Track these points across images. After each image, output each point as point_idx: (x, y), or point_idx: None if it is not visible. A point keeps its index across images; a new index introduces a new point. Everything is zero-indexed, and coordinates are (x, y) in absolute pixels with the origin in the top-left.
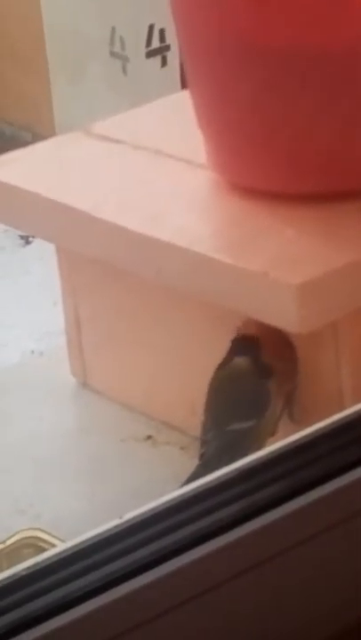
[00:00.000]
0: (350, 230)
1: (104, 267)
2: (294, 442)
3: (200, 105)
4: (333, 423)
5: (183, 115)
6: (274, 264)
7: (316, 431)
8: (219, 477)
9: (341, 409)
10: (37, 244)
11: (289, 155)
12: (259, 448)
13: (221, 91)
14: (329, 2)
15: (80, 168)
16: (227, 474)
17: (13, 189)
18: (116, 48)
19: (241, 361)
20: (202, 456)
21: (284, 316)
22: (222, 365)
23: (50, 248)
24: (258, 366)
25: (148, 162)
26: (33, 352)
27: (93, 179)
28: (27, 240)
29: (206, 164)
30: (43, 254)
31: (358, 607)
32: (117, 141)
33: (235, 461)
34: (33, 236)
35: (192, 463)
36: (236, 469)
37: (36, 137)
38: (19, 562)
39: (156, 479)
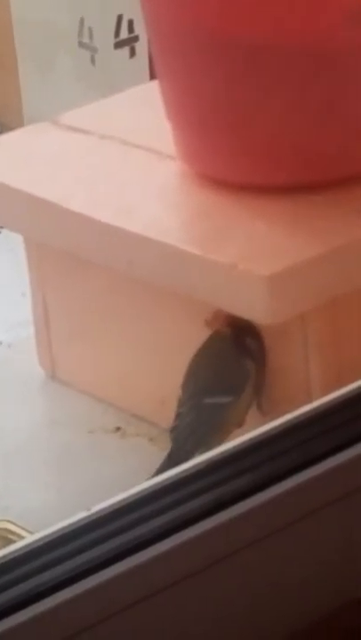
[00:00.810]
0: (320, 222)
1: (72, 258)
2: (262, 434)
3: (169, 96)
4: (301, 415)
5: (152, 106)
6: (243, 256)
7: (285, 423)
8: (187, 469)
9: (309, 401)
10: (5, 234)
11: (259, 147)
12: (228, 430)
13: (191, 83)
14: None
15: (48, 159)
16: (195, 465)
17: None
18: (85, 38)
19: (225, 333)
20: (174, 429)
21: (254, 307)
22: (205, 343)
23: (18, 239)
24: (240, 344)
25: (116, 153)
26: (1, 343)
27: (62, 169)
28: None
29: (175, 155)
30: (10, 246)
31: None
32: (85, 132)
33: (206, 437)
34: (1, 227)
35: (161, 454)
36: (205, 461)
37: (4, 128)
38: None
39: (125, 471)
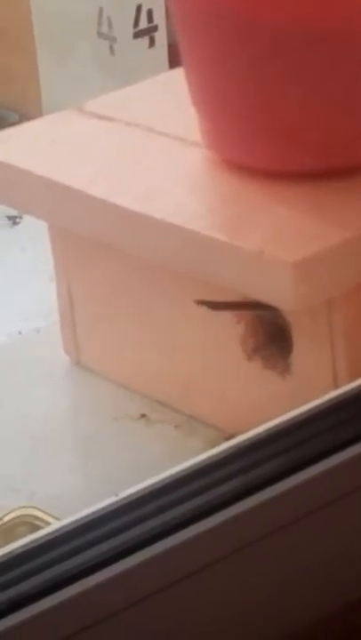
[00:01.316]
0: (346, 208)
1: (97, 245)
2: (289, 420)
3: (195, 82)
4: (328, 401)
5: (176, 93)
6: (269, 242)
7: (312, 409)
8: (216, 454)
9: (336, 387)
10: (25, 224)
11: (285, 132)
12: None
13: (216, 68)
14: None
15: (73, 146)
16: (224, 450)
17: (6, 167)
18: (104, 28)
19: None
20: None
21: (280, 293)
22: None
23: (38, 229)
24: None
25: (141, 139)
26: (20, 333)
27: (87, 156)
28: (14, 221)
29: (200, 141)
30: (31, 235)
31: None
32: (110, 119)
33: None
34: (21, 217)
35: (186, 441)
36: (233, 446)
37: (23, 118)
38: (14, 540)
39: (150, 457)
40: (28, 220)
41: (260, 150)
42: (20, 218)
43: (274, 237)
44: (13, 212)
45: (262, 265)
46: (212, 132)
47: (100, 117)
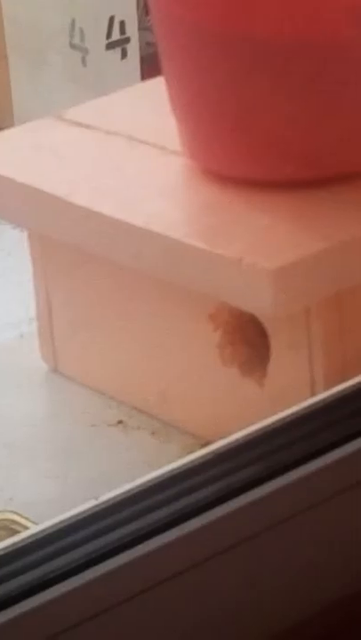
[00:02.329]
0: (325, 217)
1: (76, 252)
2: (266, 426)
3: (175, 92)
4: (305, 409)
5: (155, 102)
6: (249, 250)
7: (289, 416)
8: (193, 461)
9: (313, 395)
10: (2, 232)
11: (264, 142)
12: None
13: (197, 78)
14: None
15: (53, 153)
16: (203, 456)
17: None
18: (76, 40)
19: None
20: None
21: (259, 301)
22: None
23: (15, 238)
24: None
25: (121, 148)
26: None
27: (66, 164)
28: None
29: (180, 150)
30: (5, 243)
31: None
32: (90, 127)
33: None
34: None
35: (163, 448)
36: (212, 452)
37: None
38: None
39: (127, 464)
40: (3, 229)
41: (240, 159)
42: None
43: (253, 245)
44: None
45: (242, 272)
46: (192, 140)
47: (80, 125)
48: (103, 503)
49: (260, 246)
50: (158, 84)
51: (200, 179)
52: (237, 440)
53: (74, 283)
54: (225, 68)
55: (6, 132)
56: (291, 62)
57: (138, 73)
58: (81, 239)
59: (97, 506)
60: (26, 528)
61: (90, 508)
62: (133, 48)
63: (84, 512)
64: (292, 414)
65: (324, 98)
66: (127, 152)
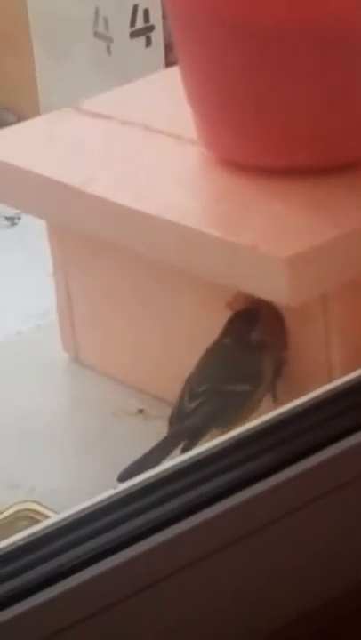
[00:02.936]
0: (339, 203)
1: (94, 242)
2: (285, 413)
3: (190, 81)
4: (322, 394)
5: (171, 91)
6: (263, 237)
7: (306, 402)
8: (212, 447)
9: (330, 381)
10: (23, 225)
11: (277, 130)
12: (245, 416)
13: (211, 67)
14: None
15: (70, 144)
16: (220, 443)
17: (4, 166)
18: (100, 28)
19: (242, 328)
20: (193, 411)
21: (274, 289)
22: (222, 334)
23: (36, 229)
24: (257, 338)
25: (137, 137)
26: (19, 333)
27: (83, 154)
28: (12, 222)
29: (196, 139)
30: (29, 236)
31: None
32: (106, 117)
33: (224, 422)
34: (19, 217)
35: None
36: (227, 440)
37: (21, 118)
38: (15, 533)
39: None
40: (26, 221)
41: (254, 147)
42: (19, 218)
43: (268, 233)
44: (12, 213)
45: (256, 260)
46: (207, 129)
47: (97, 116)
48: (122, 492)
49: (274, 234)
50: (175, 73)
51: (215, 167)
52: (257, 427)
53: (93, 272)
54: (237, 56)
55: (23, 124)
56: (301, 49)
57: (162, 60)
58: (98, 229)
59: (116, 494)
60: (47, 517)
61: (109, 497)
62: (157, 36)
63: (103, 500)
64: (310, 400)
65: (335, 84)
66: (143, 142)
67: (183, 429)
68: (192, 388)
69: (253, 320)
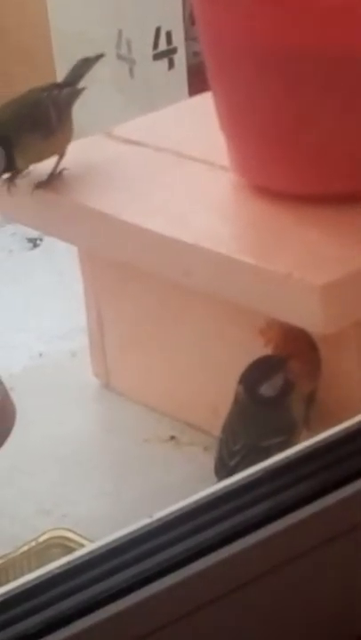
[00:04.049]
0: None
1: (126, 268)
2: (319, 442)
3: (224, 108)
4: (358, 423)
5: (202, 118)
6: (297, 265)
7: (342, 431)
8: (247, 476)
9: None
10: (45, 247)
11: (313, 157)
12: None
13: (246, 94)
14: (351, 5)
15: (103, 170)
16: (253, 474)
17: (36, 192)
18: (123, 51)
19: (269, 385)
20: (238, 465)
21: (308, 316)
22: (249, 384)
23: (58, 251)
24: (284, 386)
25: (170, 164)
26: (41, 355)
27: (116, 181)
28: (34, 243)
29: (228, 166)
30: (51, 257)
31: None
32: (139, 144)
33: None
34: (41, 239)
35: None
36: (263, 469)
37: None
38: (47, 561)
39: (180, 479)
40: (48, 243)
41: (288, 175)
42: (41, 240)
43: (302, 260)
44: (34, 235)
45: (291, 288)
46: (240, 156)
47: (129, 142)
48: (158, 521)
49: (308, 261)
50: (205, 100)
51: (248, 194)
52: (291, 456)
53: (124, 299)
54: (274, 82)
55: None
56: (338, 76)
57: (185, 83)
58: (131, 256)
59: (152, 523)
60: (80, 545)
61: (145, 526)
62: (180, 58)
63: (138, 529)
64: (345, 429)
65: None
66: (176, 168)
67: None
68: (228, 443)
69: (274, 369)
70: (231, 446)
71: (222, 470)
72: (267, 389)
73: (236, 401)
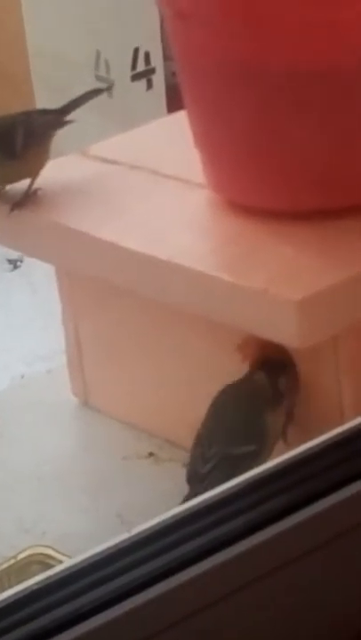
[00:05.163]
0: (348, 246)
1: (104, 286)
2: (297, 455)
3: (198, 125)
4: (335, 436)
5: (176, 136)
6: (273, 281)
7: (319, 444)
8: (223, 491)
9: (342, 422)
10: (25, 268)
11: (287, 173)
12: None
13: (218, 111)
14: (324, 25)
15: (79, 189)
16: (230, 488)
17: (12, 211)
18: (102, 71)
19: (262, 379)
20: (210, 472)
21: (285, 331)
22: (227, 390)
23: (38, 273)
24: (276, 390)
25: (146, 182)
26: (23, 376)
27: (92, 199)
28: (15, 264)
29: (204, 183)
30: (31, 279)
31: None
32: (114, 162)
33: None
34: (21, 261)
35: None
36: (239, 483)
37: None
38: (27, 578)
39: (159, 496)
40: (28, 263)
41: (263, 191)
42: (21, 261)
43: (278, 276)
44: (14, 256)
45: (267, 303)
46: (215, 173)
47: (105, 161)
48: (136, 536)
49: (284, 277)
50: (181, 118)
51: (224, 211)
52: (269, 469)
53: (102, 317)
54: (245, 99)
55: None
56: (312, 92)
57: (164, 103)
58: (108, 274)
59: (130, 538)
60: (59, 562)
61: (123, 541)
62: (159, 78)
63: (117, 545)
64: (323, 442)
65: (345, 128)
66: (152, 186)
67: (201, 491)
68: (203, 448)
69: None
70: (206, 452)
71: (194, 479)
72: (280, 386)
73: (219, 403)
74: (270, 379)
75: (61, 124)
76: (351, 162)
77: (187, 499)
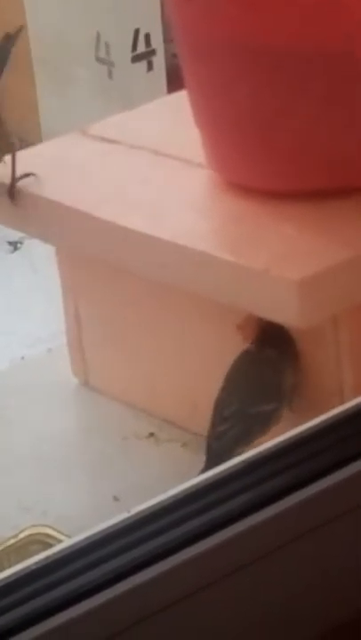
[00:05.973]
0: (350, 226)
1: (104, 266)
2: (296, 435)
3: (198, 104)
4: (335, 416)
5: (178, 115)
6: (274, 261)
7: (319, 424)
8: (224, 470)
9: (342, 403)
10: (26, 249)
11: (288, 153)
12: (267, 434)
13: (220, 90)
14: (328, 4)
15: (78, 168)
16: (232, 467)
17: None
18: (102, 53)
19: (258, 346)
20: (220, 436)
21: (285, 311)
22: (241, 357)
23: (39, 254)
24: (284, 354)
25: (146, 161)
26: (23, 358)
27: (93, 179)
28: (15, 246)
29: (205, 163)
30: (32, 260)
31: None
32: (114, 142)
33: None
34: (21, 242)
35: (194, 459)
36: (241, 462)
37: (23, 143)
38: (27, 557)
39: (159, 476)
40: (29, 245)
41: (264, 171)
42: (21, 243)
43: (279, 256)
44: (14, 237)
45: (268, 283)
46: (216, 153)
47: (105, 140)
48: (135, 515)
49: (285, 257)
50: (182, 98)
51: (225, 191)
52: (267, 450)
53: (102, 297)
54: (247, 78)
55: (33, 149)
56: (312, 72)
57: (164, 85)
58: (108, 253)
59: (129, 518)
60: (60, 541)
61: (122, 521)
62: (159, 60)
63: (116, 524)
64: (322, 422)
65: (346, 108)
66: (152, 166)
67: (218, 450)
68: (222, 410)
69: (282, 336)
70: (224, 412)
71: (211, 436)
72: (280, 350)
73: (240, 364)
74: (276, 350)
75: None
76: (355, 142)
77: (205, 469)
